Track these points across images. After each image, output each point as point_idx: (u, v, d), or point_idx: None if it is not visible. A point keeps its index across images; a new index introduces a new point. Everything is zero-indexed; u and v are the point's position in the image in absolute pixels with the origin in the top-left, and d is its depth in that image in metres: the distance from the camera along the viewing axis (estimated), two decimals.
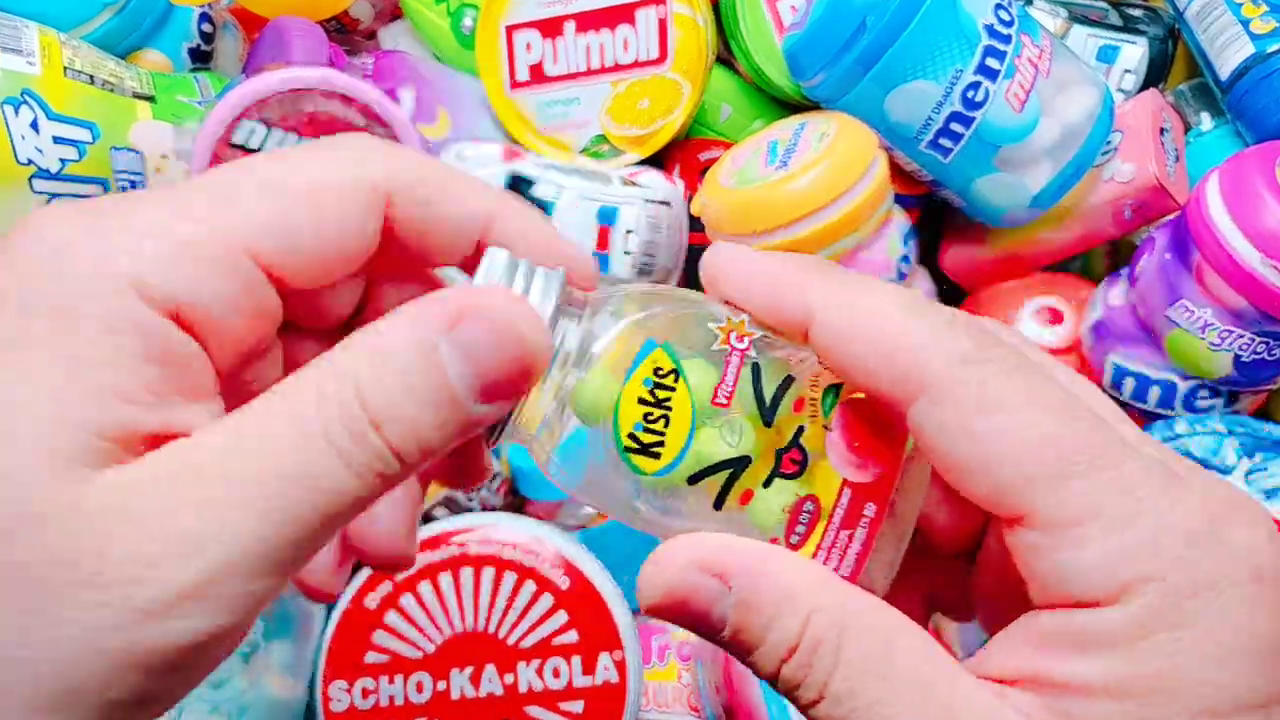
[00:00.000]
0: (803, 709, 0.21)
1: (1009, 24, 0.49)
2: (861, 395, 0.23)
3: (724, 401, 0.23)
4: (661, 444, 0.23)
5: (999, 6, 0.49)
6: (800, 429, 0.23)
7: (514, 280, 0.22)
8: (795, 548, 0.23)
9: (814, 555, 0.23)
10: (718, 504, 0.23)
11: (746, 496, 0.23)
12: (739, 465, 0.23)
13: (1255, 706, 0.19)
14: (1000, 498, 0.20)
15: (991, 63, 0.48)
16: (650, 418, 0.23)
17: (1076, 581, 0.20)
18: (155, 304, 0.19)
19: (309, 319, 0.25)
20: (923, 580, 0.26)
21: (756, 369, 0.23)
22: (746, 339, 0.23)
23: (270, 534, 0.18)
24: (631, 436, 0.23)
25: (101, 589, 0.18)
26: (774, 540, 0.23)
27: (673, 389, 0.23)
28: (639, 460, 0.23)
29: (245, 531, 0.18)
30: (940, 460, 0.21)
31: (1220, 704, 0.19)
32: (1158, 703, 0.19)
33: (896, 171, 0.53)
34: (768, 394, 0.23)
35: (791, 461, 0.23)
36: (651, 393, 0.23)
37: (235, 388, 0.23)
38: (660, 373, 0.23)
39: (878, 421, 0.23)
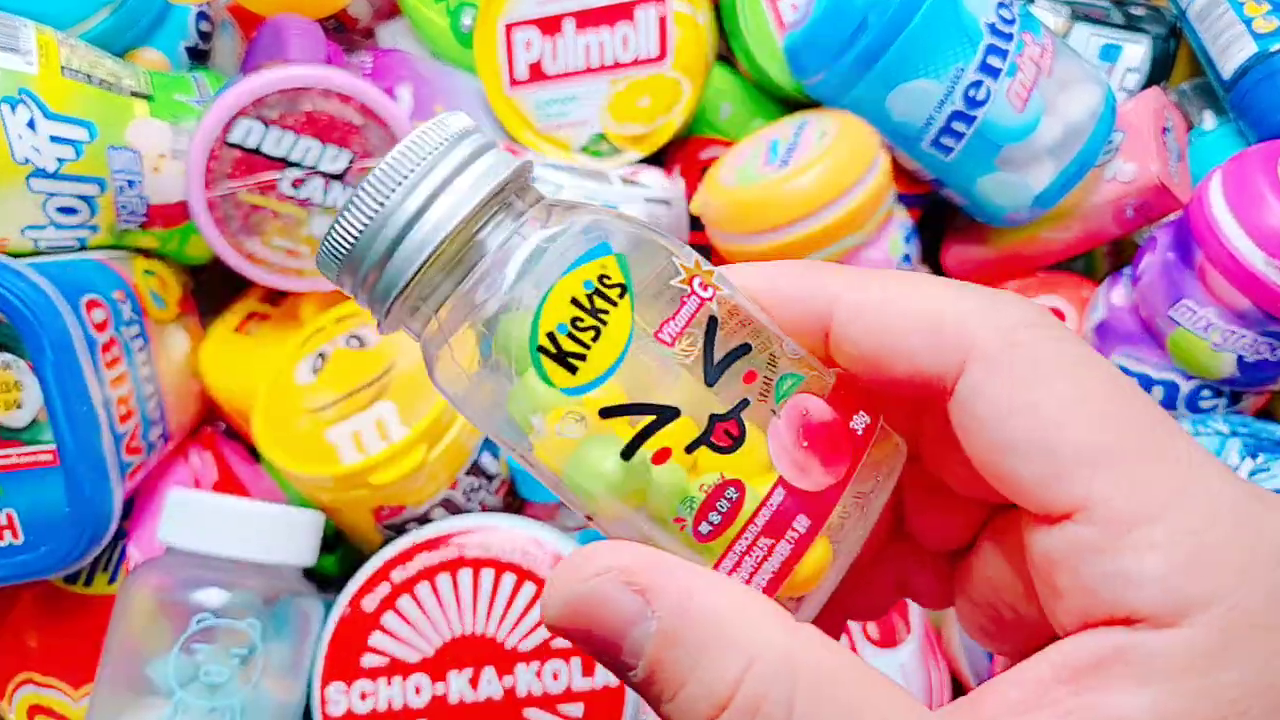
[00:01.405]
0: None
1: (1011, 22, 0.48)
2: (822, 394, 0.20)
3: (668, 339, 0.19)
4: (583, 358, 0.19)
5: (1001, 5, 0.48)
6: (744, 402, 0.20)
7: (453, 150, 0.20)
8: (703, 540, 0.19)
9: (721, 558, 0.19)
10: (627, 453, 0.19)
11: (663, 455, 0.19)
12: (665, 415, 0.19)
13: None
14: (1054, 484, 0.17)
15: (993, 61, 0.48)
16: (580, 323, 0.19)
17: (1137, 591, 0.16)
18: None
19: None
20: (893, 566, 0.24)
21: (713, 323, 0.20)
22: (711, 289, 0.20)
23: None
24: (550, 337, 0.19)
25: None
26: (678, 521, 0.19)
27: (614, 304, 0.19)
28: (551, 368, 0.19)
29: None
30: (984, 441, 0.18)
31: None
32: None
33: (899, 170, 0.53)
34: (718, 353, 0.20)
35: (726, 434, 0.19)
36: (589, 298, 0.19)
37: None
38: (606, 280, 0.19)
39: (833, 427, 0.20)
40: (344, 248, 0.20)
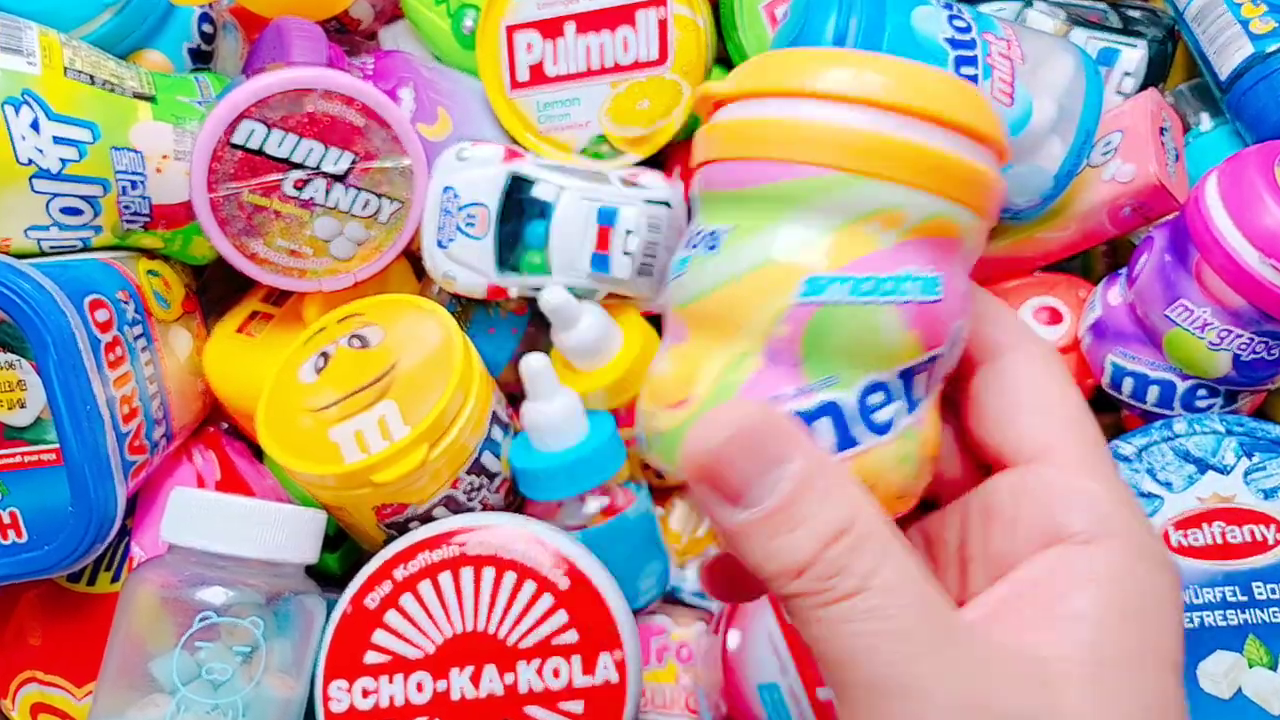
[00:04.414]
0: (823, 604, 0.21)
1: (967, 29, 0.48)
2: None
3: None
4: None
5: (952, 17, 0.48)
6: None
7: None
8: None
9: None
10: None
11: None
12: None
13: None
14: (1038, 435, 0.25)
15: (967, 70, 0.48)
16: None
17: (1079, 514, 0.24)
18: None
19: None
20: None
21: None
22: None
23: None
24: None
25: None
26: None
27: None
28: None
29: None
30: (995, 405, 0.26)
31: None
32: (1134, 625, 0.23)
33: None
34: None
35: None
36: None
37: None
38: None
39: None
40: None
